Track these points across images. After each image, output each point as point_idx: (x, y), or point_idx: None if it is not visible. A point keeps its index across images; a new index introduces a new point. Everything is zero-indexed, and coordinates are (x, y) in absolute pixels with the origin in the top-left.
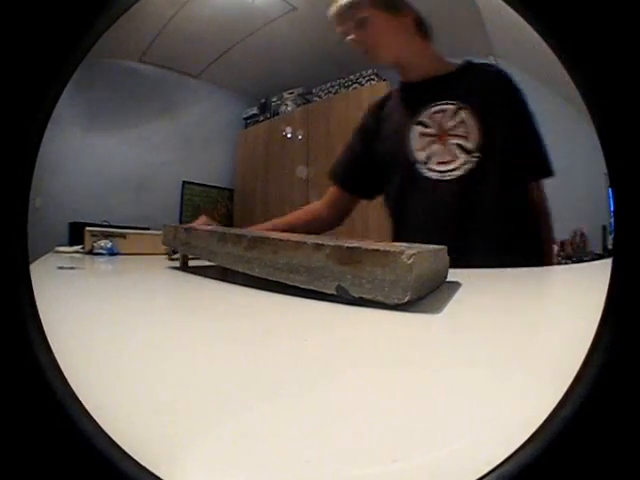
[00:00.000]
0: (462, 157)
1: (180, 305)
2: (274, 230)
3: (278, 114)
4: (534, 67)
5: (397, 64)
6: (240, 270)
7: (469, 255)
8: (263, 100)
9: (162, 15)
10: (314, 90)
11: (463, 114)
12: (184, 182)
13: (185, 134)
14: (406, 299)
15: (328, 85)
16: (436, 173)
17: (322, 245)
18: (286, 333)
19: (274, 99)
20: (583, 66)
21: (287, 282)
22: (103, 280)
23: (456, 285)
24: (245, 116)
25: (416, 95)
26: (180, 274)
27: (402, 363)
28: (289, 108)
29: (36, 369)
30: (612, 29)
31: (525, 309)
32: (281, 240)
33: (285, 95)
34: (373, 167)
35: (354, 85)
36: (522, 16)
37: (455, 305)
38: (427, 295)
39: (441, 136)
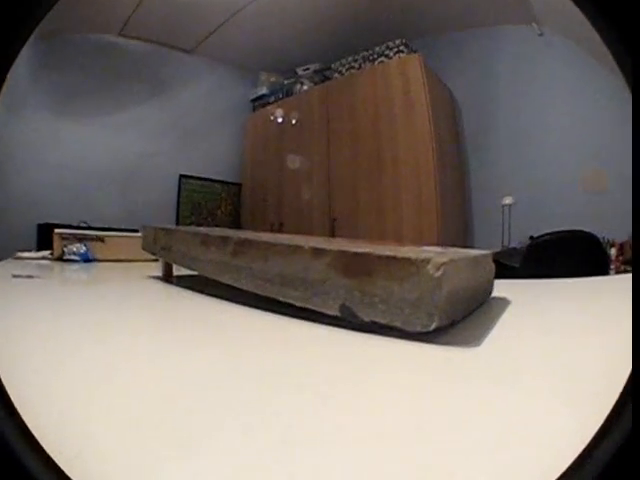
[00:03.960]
0: None
1: (148, 325)
2: None
3: (292, 94)
4: (575, 34)
5: None
6: (224, 282)
7: None
8: (273, 78)
9: None
10: (333, 65)
11: None
12: (181, 175)
13: (180, 119)
14: (433, 326)
15: (350, 59)
16: None
17: (322, 250)
18: (262, 384)
19: (287, 77)
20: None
21: (279, 298)
22: (62, 292)
23: (504, 303)
24: (253, 97)
25: None
26: (160, 285)
27: (415, 425)
28: (305, 87)
29: None
30: None
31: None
32: (273, 244)
33: (299, 72)
34: None
35: (380, 58)
36: None
37: (500, 333)
38: (464, 318)
39: None
